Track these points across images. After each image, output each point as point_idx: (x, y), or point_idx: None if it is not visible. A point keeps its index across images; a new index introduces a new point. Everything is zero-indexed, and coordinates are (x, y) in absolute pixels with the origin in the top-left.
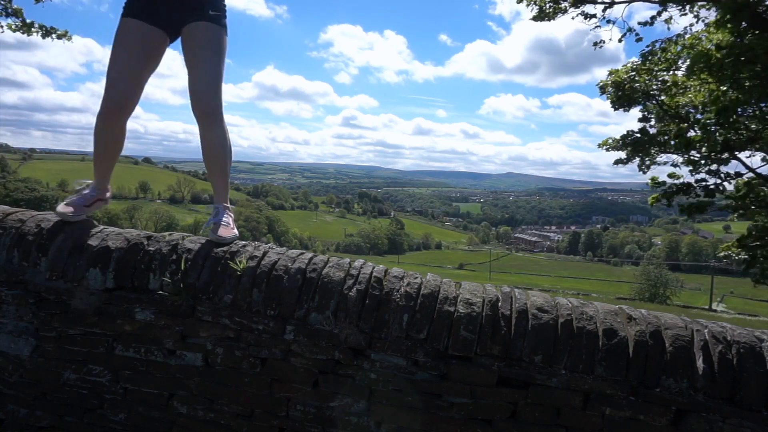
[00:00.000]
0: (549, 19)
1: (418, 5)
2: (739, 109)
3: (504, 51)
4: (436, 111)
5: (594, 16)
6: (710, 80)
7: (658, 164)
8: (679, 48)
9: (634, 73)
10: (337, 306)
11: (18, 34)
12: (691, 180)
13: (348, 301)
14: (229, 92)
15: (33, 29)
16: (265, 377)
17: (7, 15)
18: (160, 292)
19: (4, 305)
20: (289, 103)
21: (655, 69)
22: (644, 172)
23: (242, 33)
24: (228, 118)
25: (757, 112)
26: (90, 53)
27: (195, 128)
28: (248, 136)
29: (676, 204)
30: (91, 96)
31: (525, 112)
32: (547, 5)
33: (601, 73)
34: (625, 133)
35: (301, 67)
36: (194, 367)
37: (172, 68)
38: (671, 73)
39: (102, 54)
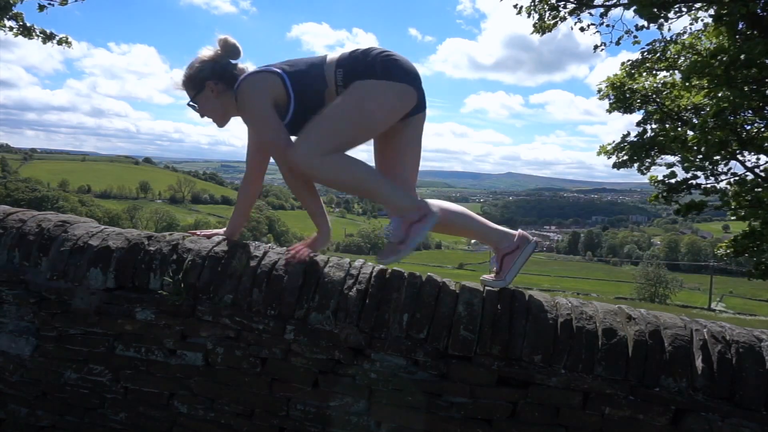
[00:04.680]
0: (549, 30)
1: (382, 2)
2: (736, 112)
3: (481, 48)
4: None
5: (593, 24)
6: (707, 84)
7: (659, 165)
8: (678, 48)
9: (633, 72)
10: (337, 306)
11: None
12: (688, 176)
13: (348, 301)
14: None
15: (34, 34)
16: (265, 377)
17: (9, 20)
18: (161, 291)
19: (5, 305)
20: None
21: (655, 68)
22: (643, 173)
23: (208, 30)
24: None
25: (756, 115)
26: (65, 50)
27: (186, 127)
28: (240, 135)
29: (674, 203)
30: (76, 95)
31: (509, 110)
32: (547, 14)
33: (576, 71)
34: (622, 137)
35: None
36: (195, 367)
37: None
38: (670, 72)
39: (78, 51)
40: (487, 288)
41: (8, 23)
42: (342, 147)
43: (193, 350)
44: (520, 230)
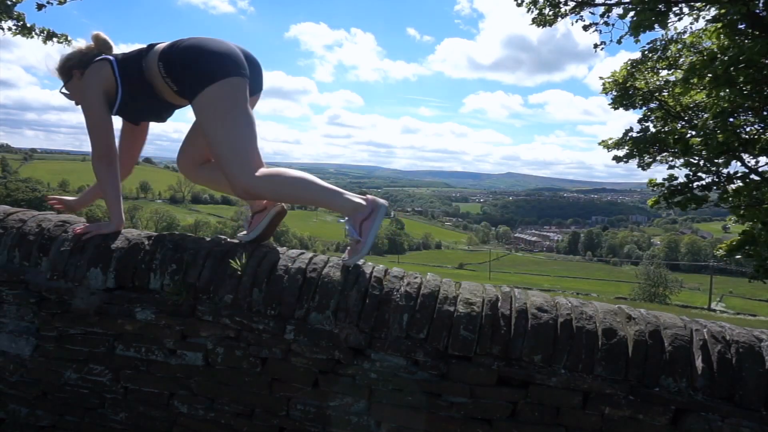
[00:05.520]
0: (549, 25)
1: (380, 2)
2: (736, 112)
3: (479, 48)
4: (419, 109)
5: (595, 24)
6: (707, 84)
7: (659, 162)
8: (679, 46)
9: (634, 70)
10: (337, 306)
11: None
12: (689, 180)
13: (348, 301)
14: None
15: (34, 32)
16: (265, 377)
17: (9, 19)
18: (161, 291)
19: (5, 305)
20: (272, 101)
21: (657, 67)
22: (644, 169)
23: (206, 30)
24: None
25: (756, 117)
26: (64, 50)
27: (186, 127)
28: None
29: (674, 203)
30: None
31: (509, 110)
32: (548, 10)
33: (575, 71)
34: (624, 131)
35: (278, 64)
36: (195, 367)
37: None
38: (672, 71)
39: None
40: (346, 263)
41: (6, 24)
42: (255, 146)
43: (193, 350)
44: (369, 196)
